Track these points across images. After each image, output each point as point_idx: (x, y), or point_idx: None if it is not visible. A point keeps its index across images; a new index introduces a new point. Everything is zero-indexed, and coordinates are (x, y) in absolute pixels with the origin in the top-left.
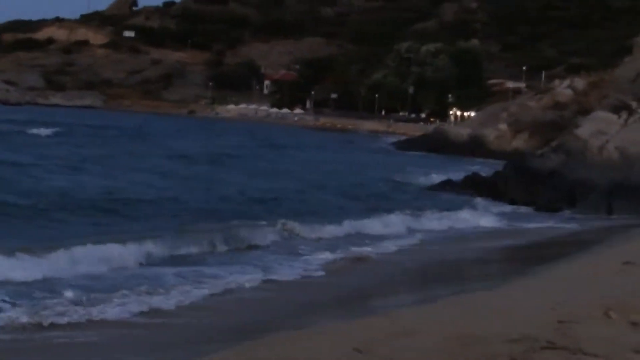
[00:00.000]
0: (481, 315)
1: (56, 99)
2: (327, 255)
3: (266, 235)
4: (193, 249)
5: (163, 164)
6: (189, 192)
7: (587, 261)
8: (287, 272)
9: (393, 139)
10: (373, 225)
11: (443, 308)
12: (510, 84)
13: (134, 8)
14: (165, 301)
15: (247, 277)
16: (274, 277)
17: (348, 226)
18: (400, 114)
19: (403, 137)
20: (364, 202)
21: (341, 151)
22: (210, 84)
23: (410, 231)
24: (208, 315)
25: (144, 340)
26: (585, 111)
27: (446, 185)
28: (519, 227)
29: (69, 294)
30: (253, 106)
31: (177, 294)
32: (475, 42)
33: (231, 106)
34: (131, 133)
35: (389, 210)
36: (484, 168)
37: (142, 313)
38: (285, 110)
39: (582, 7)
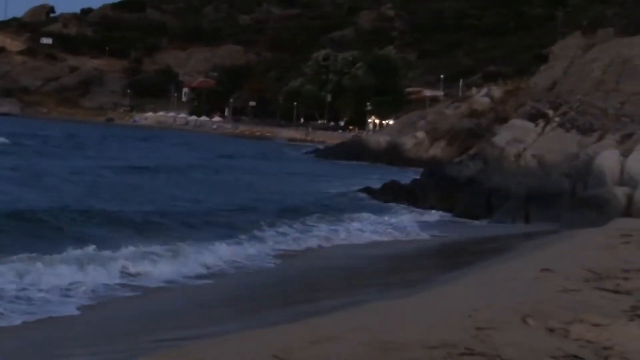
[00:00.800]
0: (399, 321)
1: None
2: None
3: None
4: None
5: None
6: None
7: (505, 267)
8: None
9: (311, 148)
10: None
11: (361, 314)
12: (428, 92)
13: (51, 15)
14: None
15: None
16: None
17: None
18: (319, 122)
19: (321, 145)
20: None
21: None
22: (128, 91)
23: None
24: None
25: None
26: (502, 119)
27: (365, 192)
28: (435, 233)
29: None
30: (171, 114)
31: None
32: (390, 49)
33: (149, 114)
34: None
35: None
36: (403, 175)
37: None
38: (204, 118)
39: (497, 15)
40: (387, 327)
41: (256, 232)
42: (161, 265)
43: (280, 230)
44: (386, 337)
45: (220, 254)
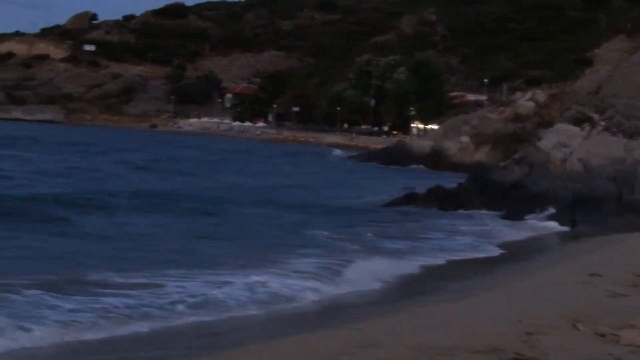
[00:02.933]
0: (446, 326)
1: (17, 113)
2: None
3: None
4: None
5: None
6: None
7: (553, 272)
8: None
9: (355, 152)
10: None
11: (408, 320)
12: (471, 97)
13: (94, 22)
14: None
15: None
16: None
17: None
18: (363, 127)
19: (365, 151)
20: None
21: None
22: (172, 97)
23: None
24: None
25: None
26: (546, 123)
27: (410, 198)
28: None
29: None
30: (215, 120)
31: None
32: (430, 52)
33: (193, 120)
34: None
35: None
36: (448, 180)
37: None
38: (247, 124)
39: (539, 19)
40: (433, 332)
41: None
42: None
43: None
44: (432, 342)
45: None
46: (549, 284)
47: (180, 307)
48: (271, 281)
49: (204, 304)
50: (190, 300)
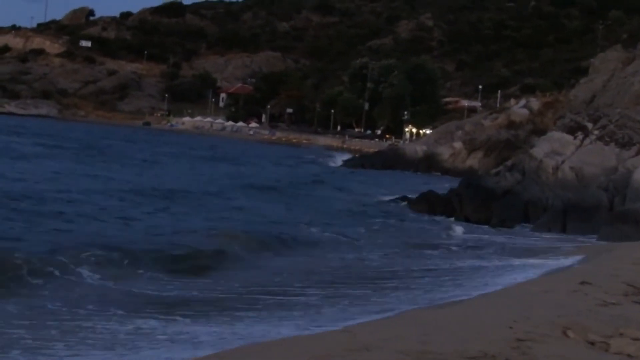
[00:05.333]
0: (437, 331)
1: (11, 107)
2: None
3: None
4: None
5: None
6: None
7: (544, 280)
8: None
9: (348, 156)
10: None
11: (400, 323)
12: (466, 103)
13: (91, 18)
14: None
15: None
16: None
17: None
18: (356, 130)
19: (358, 154)
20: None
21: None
22: (166, 95)
23: None
24: None
25: None
26: (540, 131)
27: (401, 201)
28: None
29: None
30: (208, 119)
31: None
32: (426, 57)
33: (186, 118)
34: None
35: None
36: (439, 185)
37: None
38: (240, 124)
39: (536, 27)
40: (424, 336)
41: None
42: None
43: None
44: (424, 347)
45: None
46: (539, 292)
47: None
48: None
49: None
50: None
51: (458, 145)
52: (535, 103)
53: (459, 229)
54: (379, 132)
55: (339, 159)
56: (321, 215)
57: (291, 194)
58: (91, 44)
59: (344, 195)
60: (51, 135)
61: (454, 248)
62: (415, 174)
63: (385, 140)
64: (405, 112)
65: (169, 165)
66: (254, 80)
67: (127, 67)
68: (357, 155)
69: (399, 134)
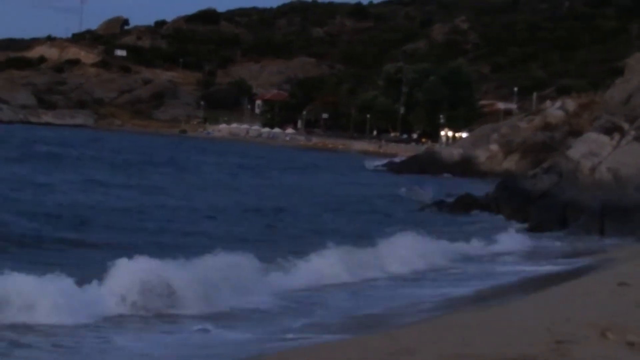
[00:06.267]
0: (478, 334)
1: (48, 117)
2: None
3: None
4: None
5: None
6: None
7: (582, 281)
8: None
9: (385, 160)
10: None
11: (440, 327)
12: (501, 105)
13: (126, 27)
14: None
15: None
16: None
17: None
18: (392, 134)
19: (395, 159)
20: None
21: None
22: (202, 103)
23: None
24: None
25: None
26: (576, 132)
27: (439, 205)
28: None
29: None
30: (244, 126)
31: None
32: (461, 61)
33: (223, 126)
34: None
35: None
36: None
37: None
38: (276, 130)
39: (570, 28)
40: (465, 339)
41: None
42: None
43: None
44: (463, 349)
45: None
46: (578, 293)
47: None
48: None
49: None
50: None
51: (494, 148)
52: (571, 104)
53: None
54: (415, 136)
55: (374, 164)
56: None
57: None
58: (126, 53)
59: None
60: (116, 149)
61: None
62: (451, 177)
63: (422, 144)
64: (441, 116)
65: (243, 177)
66: (289, 86)
67: (163, 76)
68: (397, 160)
69: (435, 137)
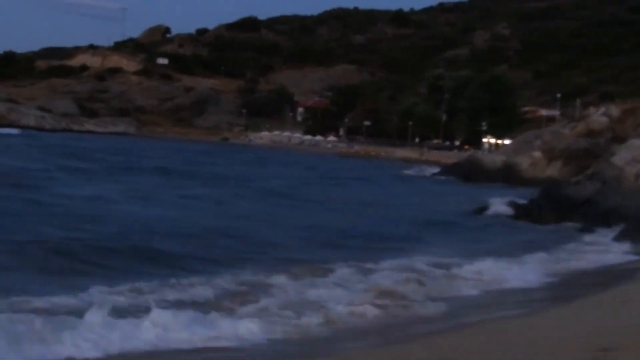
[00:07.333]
0: (517, 342)
1: (90, 125)
2: None
3: None
4: None
5: None
6: None
7: (624, 289)
8: None
9: (429, 167)
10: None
11: (482, 335)
12: (544, 112)
13: (167, 35)
14: None
15: None
16: None
17: None
18: (434, 141)
19: (437, 166)
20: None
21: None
22: (243, 111)
23: None
24: None
25: None
26: (619, 139)
27: (482, 212)
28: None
29: None
30: (286, 133)
31: None
32: (503, 67)
33: (264, 133)
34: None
35: None
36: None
37: None
38: (318, 137)
39: (613, 34)
40: (506, 348)
41: None
42: None
43: None
44: (503, 357)
45: None
46: (622, 301)
47: None
48: None
49: None
50: None
51: (537, 154)
52: (614, 110)
53: None
54: (457, 143)
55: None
56: None
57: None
58: (168, 61)
59: None
60: (187, 161)
61: None
62: (494, 184)
63: (464, 151)
64: (483, 123)
65: (337, 189)
66: (330, 93)
67: (204, 84)
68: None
69: (477, 144)
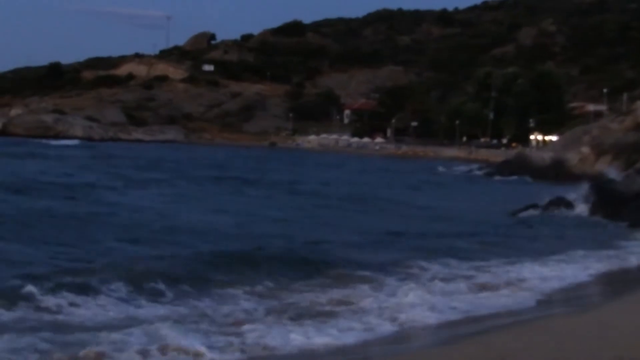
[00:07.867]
0: (573, 338)
1: (138, 134)
2: None
3: None
4: None
5: None
6: None
7: None
8: None
9: (477, 166)
10: None
11: (534, 332)
12: (591, 107)
13: (212, 42)
14: None
15: None
16: None
17: None
18: (482, 140)
19: (486, 164)
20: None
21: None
22: (291, 115)
23: None
24: None
25: None
26: None
27: (530, 209)
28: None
29: None
30: (334, 136)
31: None
32: (550, 64)
33: (312, 137)
34: None
35: None
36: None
37: None
38: (366, 140)
39: None
40: (558, 345)
41: None
42: None
43: None
44: (560, 354)
45: None
46: None
47: None
48: None
49: None
50: None
51: (585, 150)
52: None
53: None
54: (505, 141)
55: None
56: None
57: None
58: (214, 67)
59: None
60: (249, 169)
61: None
62: (542, 181)
63: (512, 149)
64: (531, 120)
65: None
66: (377, 95)
67: (251, 89)
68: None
69: (525, 142)
